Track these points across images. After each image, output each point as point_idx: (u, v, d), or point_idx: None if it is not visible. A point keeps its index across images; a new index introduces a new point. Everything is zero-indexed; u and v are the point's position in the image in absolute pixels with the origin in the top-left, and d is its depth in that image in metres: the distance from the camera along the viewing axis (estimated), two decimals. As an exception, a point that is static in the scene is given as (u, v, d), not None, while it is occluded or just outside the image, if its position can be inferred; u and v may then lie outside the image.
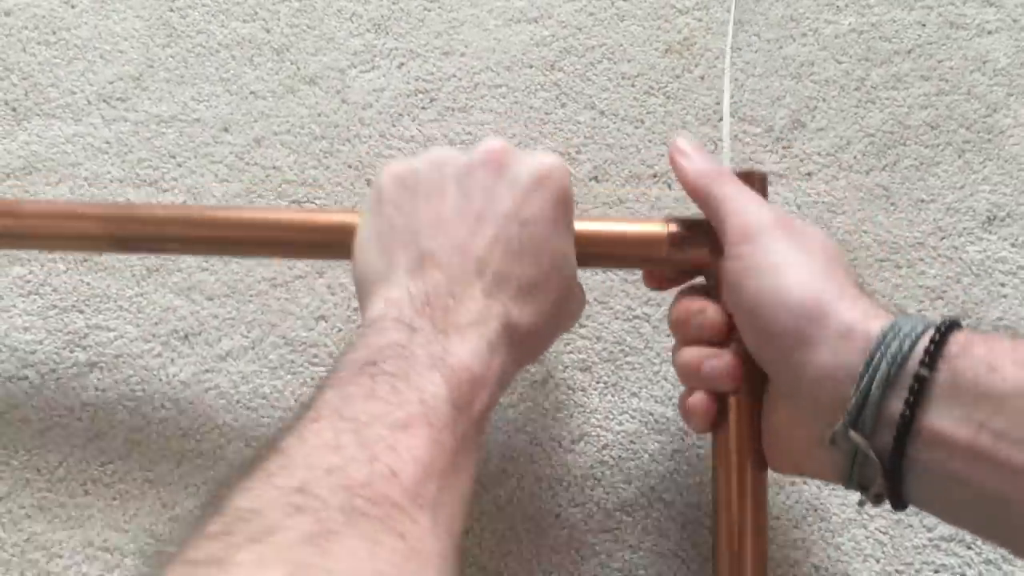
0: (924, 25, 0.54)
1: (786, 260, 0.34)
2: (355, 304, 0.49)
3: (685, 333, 0.39)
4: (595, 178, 0.52)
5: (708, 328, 0.37)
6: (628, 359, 0.48)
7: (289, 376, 0.48)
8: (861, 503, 0.33)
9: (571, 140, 0.52)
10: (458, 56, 0.54)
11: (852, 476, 0.32)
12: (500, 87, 0.53)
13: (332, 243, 0.39)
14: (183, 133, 0.52)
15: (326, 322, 0.49)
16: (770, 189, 0.51)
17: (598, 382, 0.48)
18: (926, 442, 0.29)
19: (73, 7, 0.55)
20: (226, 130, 0.52)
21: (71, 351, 0.48)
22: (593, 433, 0.47)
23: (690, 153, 0.38)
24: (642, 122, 0.52)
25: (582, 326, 0.48)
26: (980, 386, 0.28)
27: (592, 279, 0.49)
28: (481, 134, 0.52)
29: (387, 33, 0.54)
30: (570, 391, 0.48)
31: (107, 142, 0.52)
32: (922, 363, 0.29)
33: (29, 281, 0.49)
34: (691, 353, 0.38)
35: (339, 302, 0.49)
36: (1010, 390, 0.27)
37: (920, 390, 0.29)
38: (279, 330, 0.48)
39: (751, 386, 0.37)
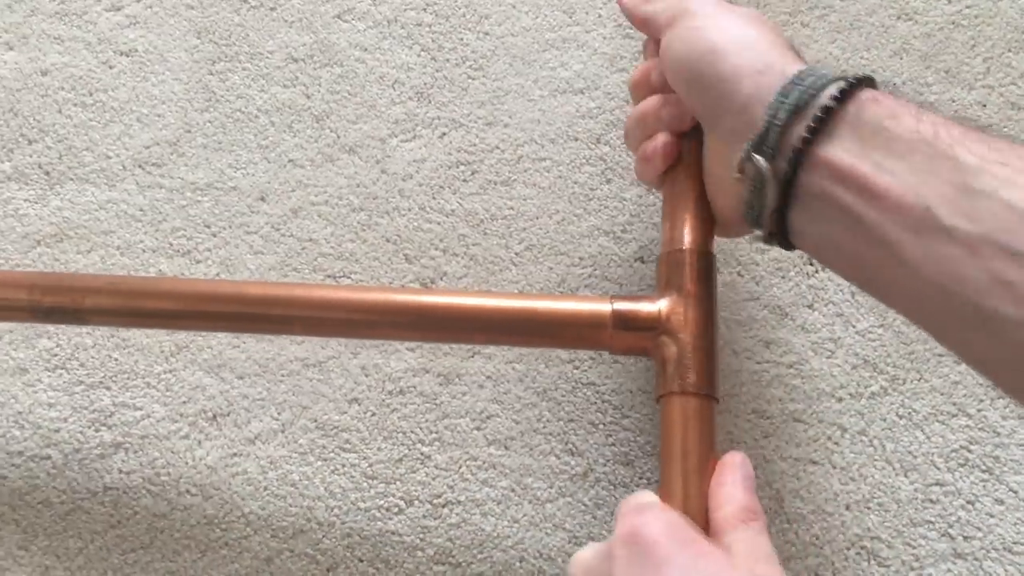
0: (985, 105, 0.52)
1: (727, 21, 0.37)
2: (389, 387, 0.47)
3: (644, 91, 0.42)
4: (640, 259, 0.50)
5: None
6: (673, 454, 0.46)
7: (319, 462, 0.46)
8: (756, 239, 0.36)
9: (616, 218, 0.50)
10: (501, 127, 0.52)
11: (753, 205, 0.34)
12: (544, 160, 0.52)
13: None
14: (219, 202, 0.51)
15: (359, 405, 0.47)
16: (814, 278, 0.49)
17: (641, 477, 0.46)
18: (817, 168, 0.31)
19: (111, 68, 0.54)
20: (263, 199, 0.51)
21: (96, 430, 0.47)
22: (635, 533, 0.45)
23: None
24: (690, 201, 0.51)
25: (625, 417, 0.46)
26: (878, 127, 0.31)
27: (635, 367, 0.47)
28: (524, 209, 0.51)
29: (429, 102, 0.53)
30: (612, 487, 0.45)
31: (141, 209, 0.51)
32: (833, 97, 0.32)
33: (56, 355, 0.48)
34: (653, 100, 0.41)
35: (373, 384, 0.47)
36: (901, 133, 0.30)
37: (824, 120, 0.31)
38: (310, 412, 0.47)
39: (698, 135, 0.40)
